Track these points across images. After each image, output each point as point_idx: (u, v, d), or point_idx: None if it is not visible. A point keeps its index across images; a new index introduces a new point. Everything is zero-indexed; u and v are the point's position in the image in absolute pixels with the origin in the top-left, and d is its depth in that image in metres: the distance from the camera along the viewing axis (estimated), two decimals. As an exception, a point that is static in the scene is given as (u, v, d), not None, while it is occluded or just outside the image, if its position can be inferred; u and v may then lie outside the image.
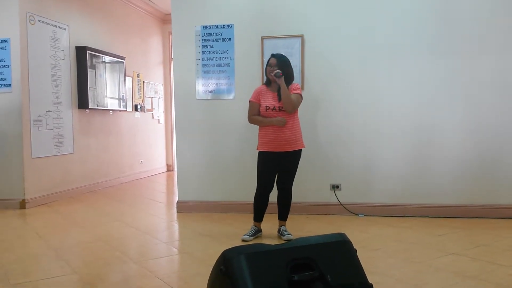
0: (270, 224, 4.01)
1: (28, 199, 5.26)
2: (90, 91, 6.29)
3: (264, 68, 3.87)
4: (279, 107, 3.63)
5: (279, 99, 3.63)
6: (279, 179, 3.76)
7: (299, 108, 3.73)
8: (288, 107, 3.60)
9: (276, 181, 3.77)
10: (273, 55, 3.74)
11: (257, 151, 3.75)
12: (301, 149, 3.73)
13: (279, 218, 3.84)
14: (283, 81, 3.57)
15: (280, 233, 3.75)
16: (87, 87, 6.22)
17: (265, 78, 3.84)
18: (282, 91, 3.59)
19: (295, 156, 3.71)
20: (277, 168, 3.70)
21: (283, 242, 3.46)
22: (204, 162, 4.84)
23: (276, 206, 3.85)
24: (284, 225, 3.81)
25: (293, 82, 3.76)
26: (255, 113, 3.71)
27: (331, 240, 1.89)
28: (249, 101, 3.75)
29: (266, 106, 3.64)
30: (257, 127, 3.78)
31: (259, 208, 3.78)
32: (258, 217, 3.80)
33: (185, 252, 3.46)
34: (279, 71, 3.57)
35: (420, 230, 3.96)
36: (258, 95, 3.71)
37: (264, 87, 3.76)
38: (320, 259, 1.77)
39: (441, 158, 4.46)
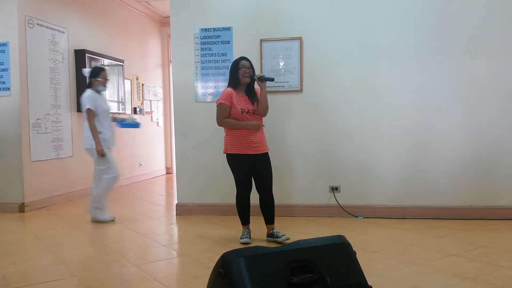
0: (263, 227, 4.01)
1: (27, 202, 5.25)
2: (89, 94, 6.28)
3: (230, 70, 3.75)
4: (253, 110, 3.65)
5: (252, 102, 3.66)
6: (258, 183, 3.72)
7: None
8: (265, 112, 3.70)
9: (256, 186, 3.74)
10: (244, 58, 3.73)
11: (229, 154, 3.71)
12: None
13: (267, 223, 3.76)
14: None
15: (275, 236, 3.68)
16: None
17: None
18: (263, 95, 3.64)
19: (267, 157, 3.72)
20: (252, 170, 3.68)
21: (281, 244, 3.48)
22: (203, 165, 4.84)
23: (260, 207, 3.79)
24: (275, 228, 3.76)
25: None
26: (227, 116, 3.64)
27: (330, 242, 1.89)
28: (220, 103, 3.63)
29: (241, 109, 3.61)
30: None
31: (244, 211, 3.75)
32: (246, 219, 3.77)
33: (184, 255, 3.46)
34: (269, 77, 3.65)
35: (419, 232, 3.97)
36: (230, 97, 3.63)
37: (231, 89, 3.69)
38: (319, 261, 1.77)
39: (440, 159, 4.46)
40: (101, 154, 4.51)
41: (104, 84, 4.64)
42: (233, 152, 3.66)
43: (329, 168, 4.65)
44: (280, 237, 3.65)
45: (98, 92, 4.62)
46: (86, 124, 4.54)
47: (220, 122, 3.69)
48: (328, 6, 4.59)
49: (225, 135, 3.74)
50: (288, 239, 3.60)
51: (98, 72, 4.62)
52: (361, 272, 1.85)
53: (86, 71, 4.76)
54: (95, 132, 4.48)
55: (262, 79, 3.64)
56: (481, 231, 3.94)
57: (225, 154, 3.74)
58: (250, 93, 3.72)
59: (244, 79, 3.67)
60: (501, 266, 2.99)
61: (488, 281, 2.70)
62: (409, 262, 3.11)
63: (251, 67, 3.72)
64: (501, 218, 4.33)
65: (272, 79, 3.75)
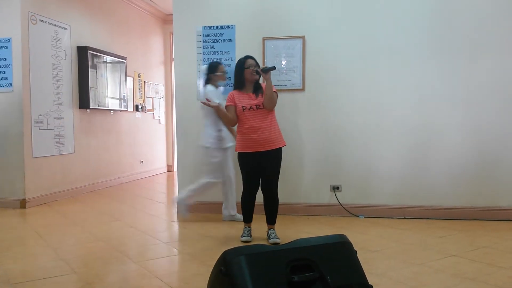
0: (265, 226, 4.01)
1: (29, 198, 5.26)
2: (91, 91, 6.30)
3: (235, 71, 3.75)
4: (256, 105, 3.61)
5: (256, 95, 3.63)
6: (262, 180, 3.71)
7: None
8: (271, 104, 3.60)
9: (261, 184, 3.73)
10: (249, 57, 3.72)
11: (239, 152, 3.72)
12: (281, 148, 3.68)
13: (267, 222, 3.75)
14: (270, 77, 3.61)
15: (268, 237, 3.69)
16: (88, 87, 6.23)
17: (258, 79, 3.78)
18: (268, 87, 3.58)
19: (276, 155, 3.65)
20: (259, 168, 3.66)
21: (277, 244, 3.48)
22: (204, 163, 4.84)
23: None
24: (273, 229, 3.74)
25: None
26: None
27: (331, 241, 1.89)
28: (226, 106, 3.72)
29: (242, 107, 3.61)
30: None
31: (247, 209, 3.76)
32: (248, 218, 3.78)
33: (185, 253, 3.46)
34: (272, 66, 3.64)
35: (420, 232, 3.96)
36: (232, 98, 3.67)
37: (235, 91, 3.72)
38: (320, 260, 1.77)
39: (442, 159, 4.46)
40: None
41: (223, 78, 4.45)
42: (240, 151, 3.68)
43: (331, 167, 4.65)
44: (271, 239, 3.63)
45: (217, 87, 4.44)
46: (207, 121, 4.36)
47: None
48: (331, 5, 4.58)
49: (237, 134, 3.77)
50: (278, 243, 3.55)
51: (216, 66, 4.42)
52: (362, 271, 1.85)
53: (204, 67, 4.55)
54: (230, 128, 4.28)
55: (265, 70, 3.58)
56: (481, 232, 3.94)
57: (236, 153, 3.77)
58: (255, 89, 3.70)
59: (252, 77, 3.67)
60: (501, 266, 2.99)
61: (488, 282, 2.69)
62: (409, 262, 3.11)
63: (257, 64, 3.73)
64: (502, 219, 4.33)
65: (273, 68, 3.63)
